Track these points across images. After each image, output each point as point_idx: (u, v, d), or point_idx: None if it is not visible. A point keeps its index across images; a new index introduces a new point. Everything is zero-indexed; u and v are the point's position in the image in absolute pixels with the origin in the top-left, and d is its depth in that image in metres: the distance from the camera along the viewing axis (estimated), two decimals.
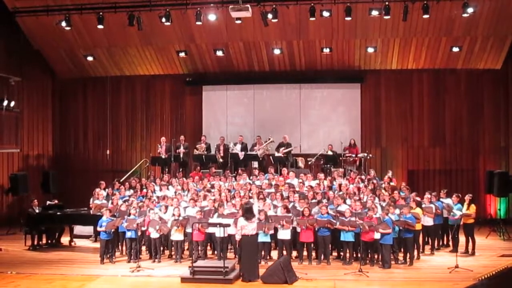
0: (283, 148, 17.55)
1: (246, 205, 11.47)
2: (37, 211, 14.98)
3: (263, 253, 12.51)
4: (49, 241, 15.17)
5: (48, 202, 15.99)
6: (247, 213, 11.16)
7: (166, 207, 13.39)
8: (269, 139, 17.69)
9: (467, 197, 13.38)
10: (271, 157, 17.48)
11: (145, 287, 10.72)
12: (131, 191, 15.55)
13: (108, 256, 12.88)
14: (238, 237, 11.11)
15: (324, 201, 13.44)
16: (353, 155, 17.58)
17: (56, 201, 16.09)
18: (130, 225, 12.62)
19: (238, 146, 17.87)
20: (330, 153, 17.63)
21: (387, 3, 16.09)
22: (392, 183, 15.32)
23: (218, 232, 12.02)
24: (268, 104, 19.95)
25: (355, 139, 18.72)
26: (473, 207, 13.26)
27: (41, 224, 14.76)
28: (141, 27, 17.06)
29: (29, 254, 14.11)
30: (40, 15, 17.56)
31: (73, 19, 17.33)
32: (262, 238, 12.17)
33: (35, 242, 14.72)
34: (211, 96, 20.28)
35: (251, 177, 16.20)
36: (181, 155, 17.75)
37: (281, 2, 16.66)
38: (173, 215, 12.83)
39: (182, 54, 19.21)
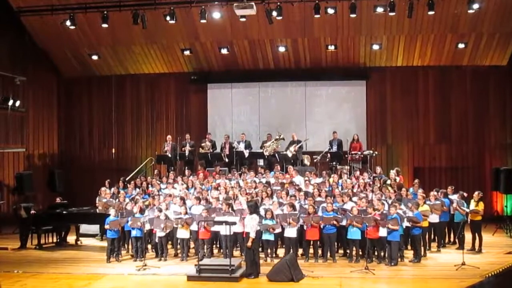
0: (294, 145, 17.47)
1: (250, 202, 11.56)
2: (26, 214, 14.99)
3: (268, 251, 12.51)
4: (56, 240, 15.17)
5: (58, 199, 16.01)
6: (257, 209, 11.41)
7: (168, 204, 13.43)
8: (279, 136, 17.61)
9: (476, 194, 13.28)
10: (276, 155, 17.37)
11: (152, 286, 10.73)
12: (138, 189, 15.55)
13: (114, 254, 12.88)
14: (253, 235, 11.05)
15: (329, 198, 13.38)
16: (359, 153, 17.49)
17: (60, 198, 16.14)
18: (134, 223, 12.60)
19: (242, 144, 17.84)
20: (335, 142, 17.67)
21: None
22: (397, 180, 15.24)
23: (224, 230, 12.01)
24: (273, 102, 19.91)
25: (361, 137, 18.65)
26: (481, 204, 13.19)
27: (47, 224, 14.76)
28: (146, 26, 17.02)
29: (35, 253, 14.13)
30: (44, 15, 17.57)
31: (78, 18, 17.32)
32: (267, 237, 12.16)
33: (29, 243, 14.69)
34: (216, 94, 20.26)
35: (257, 175, 16.17)
36: (187, 153, 17.76)
37: None
38: (179, 213, 12.82)
39: (186, 52, 19.21)
